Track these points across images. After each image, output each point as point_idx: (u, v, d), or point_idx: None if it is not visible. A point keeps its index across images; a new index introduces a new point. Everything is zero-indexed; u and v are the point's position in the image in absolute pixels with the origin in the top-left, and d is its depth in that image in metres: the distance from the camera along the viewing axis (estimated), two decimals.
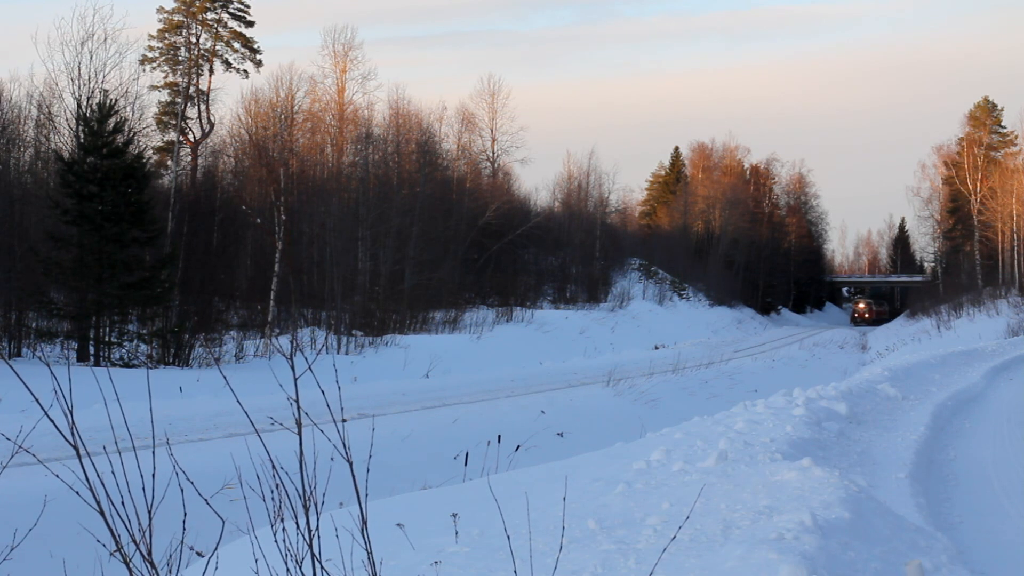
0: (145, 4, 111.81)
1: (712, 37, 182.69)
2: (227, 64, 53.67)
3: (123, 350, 25.37)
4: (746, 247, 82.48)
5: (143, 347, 25.99)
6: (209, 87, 52.40)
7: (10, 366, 3.06)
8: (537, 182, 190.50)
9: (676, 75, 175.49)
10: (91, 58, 29.62)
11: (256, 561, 3.39)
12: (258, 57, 54.14)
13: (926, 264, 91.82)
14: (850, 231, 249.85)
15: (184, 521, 3.50)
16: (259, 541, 3.47)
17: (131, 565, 3.10)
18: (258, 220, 37.67)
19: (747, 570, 5.37)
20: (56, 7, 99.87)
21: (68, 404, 3.04)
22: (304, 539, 3.26)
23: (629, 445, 10.85)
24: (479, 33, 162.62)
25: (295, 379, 3.30)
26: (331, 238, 37.76)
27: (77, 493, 3.11)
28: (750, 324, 71.64)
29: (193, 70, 51.73)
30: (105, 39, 29.65)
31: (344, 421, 3.41)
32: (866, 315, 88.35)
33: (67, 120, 31.73)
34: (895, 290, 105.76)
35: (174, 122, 44.95)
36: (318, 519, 3.28)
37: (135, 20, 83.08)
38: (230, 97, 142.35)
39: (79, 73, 29.57)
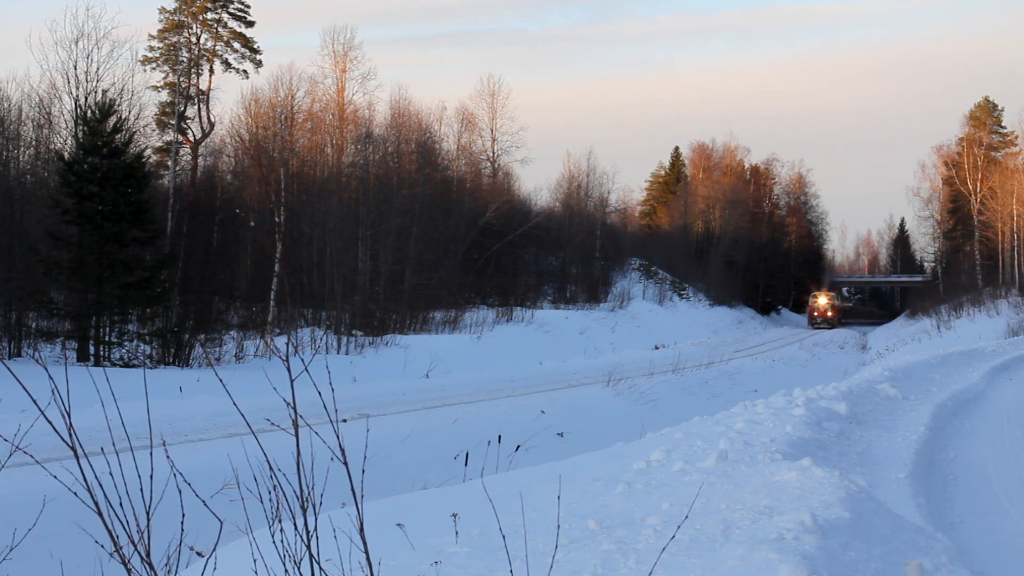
0: (141, 2, 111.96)
1: (718, 37, 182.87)
2: (227, 64, 53.64)
3: (123, 350, 25.36)
4: (746, 247, 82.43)
5: (143, 347, 25.97)
6: (209, 87, 52.42)
7: (6, 366, 3.06)
8: (538, 182, 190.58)
9: (680, 75, 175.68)
10: (87, 57, 29.65)
11: (255, 561, 3.39)
12: (258, 57, 54.12)
13: (926, 264, 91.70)
14: (850, 231, 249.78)
15: (183, 522, 3.49)
16: (258, 542, 3.46)
17: (130, 566, 3.09)
18: (252, 223, 37.65)
19: (747, 570, 5.36)
20: (50, 9, 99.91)
21: (66, 404, 3.04)
22: (302, 540, 3.26)
23: (629, 445, 10.84)
24: (489, 32, 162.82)
25: (291, 380, 3.29)
26: (331, 238, 37.76)
27: (75, 494, 3.11)
28: (750, 324, 71.63)
29: (193, 70, 51.72)
30: (98, 39, 29.68)
31: (344, 421, 3.41)
32: (828, 314, 72.70)
33: (65, 120, 31.77)
34: (895, 290, 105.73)
35: (174, 122, 44.94)
36: (316, 520, 3.28)
37: (130, 18, 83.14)
38: (230, 97, 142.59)
39: (75, 73, 29.60)
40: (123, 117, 27.34)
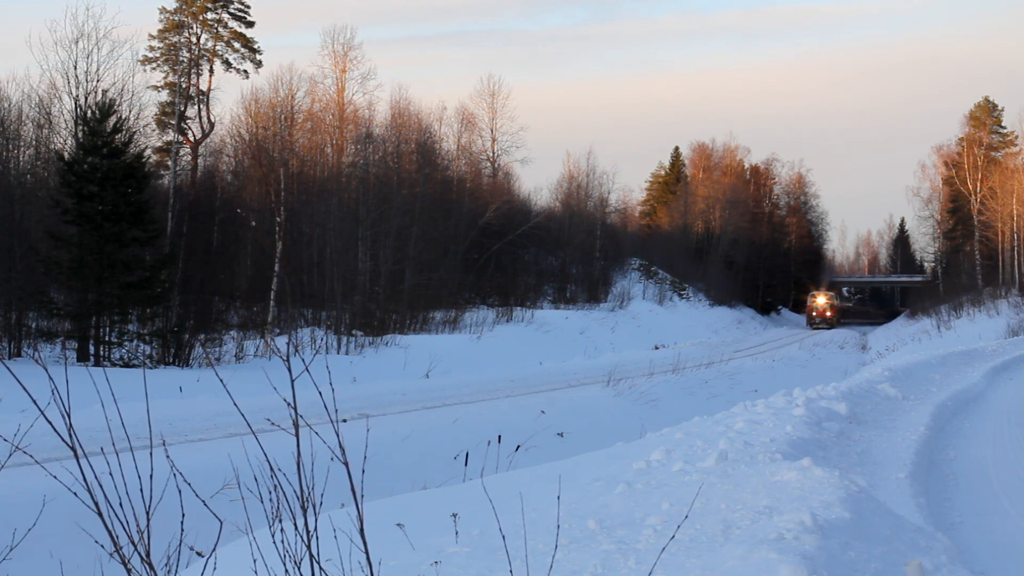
0: (141, 2, 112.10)
1: (718, 37, 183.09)
2: (227, 64, 53.65)
3: (123, 350, 25.36)
4: (746, 247, 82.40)
5: (143, 347, 25.97)
6: (209, 87, 52.43)
7: (6, 366, 3.06)
8: (538, 182, 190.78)
9: (680, 75, 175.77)
10: (87, 57, 29.63)
11: (255, 561, 3.39)
12: (258, 57, 54.12)
13: (926, 264, 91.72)
14: (850, 231, 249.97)
15: (183, 522, 3.49)
16: (258, 542, 3.46)
17: (129, 566, 3.09)
18: (253, 223, 37.65)
19: (747, 570, 5.36)
20: (50, 9, 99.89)
21: (66, 404, 3.03)
22: (302, 540, 3.26)
23: (629, 445, 10.84)
24: (489, 32, 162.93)
25: (292, 380, 3.29)
26: (331, 238, 37.75)
27: (75, 494, 3.11)
28: (750, 324, 71.63)
29: (193, 70, 51.72)
30: (98, 39, 29.67)
31: (344, 421, 3.40)
32: (827, 313, 71.73)
33: (65, 120, 31.75)
34: (895, 290, 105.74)
35: (174, 122, 44.95)
36: (316, 520, 3.28)
37: (130, 18, 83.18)
38: (230, 97, 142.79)
39: (75, 73, 29.59)
40: (123, 117, 27.34)
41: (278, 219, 33.52)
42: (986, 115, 72.85)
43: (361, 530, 3.33)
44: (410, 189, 44.39)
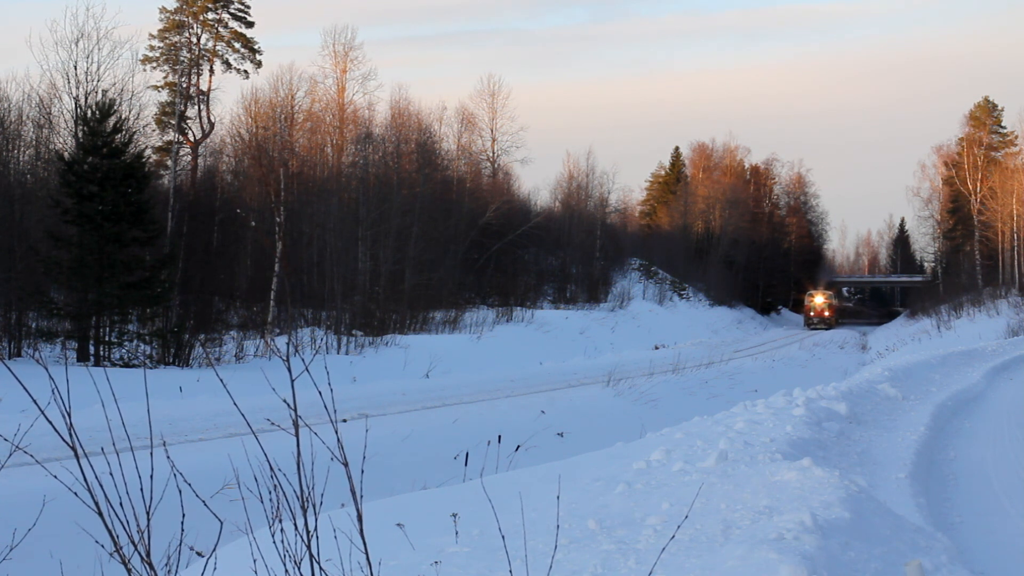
0: (141, 2, 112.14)
1: (719, 36, 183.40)
2: (227, 64, 53.65)
3: (123, 350, 25.36)
4: (746, 247, 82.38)
5: (143, 347, 25.97)
6: (209, 87, 52.42)
7: (6, 366, 3.06)
8: (538, 182, 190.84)
9: (680, 75, 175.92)
10: (87, 57, 29.62)
11: (255, 561, 3.39)
12: (258, 57, 54.12)
13: (926, 264, 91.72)
14: (850, 231, 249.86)
15: (183, 522, 3.49)
16: (258, 542, 3.46)
17: (130, 566, 3.09)
18: (253, 223, 37.66)
19: (747, 570, 5.36)
20: (50, 9, 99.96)
21: (66, 404, 3.03)
22: (302, 540, 3.26)
23: (629, 445, 10.84)
24: (489, 32, 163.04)
25: (291, 380, 3.29)
26: (331, 238, 37.75)
27: (75, 494, 3.11)
28: (750, 324, 71.62)
29: (193, 70, 51.71)
30: (98, 39, 29.65)
31: (344, 421, 3.41)
32: (825, 313, 70.41)
33: (65, 120, 31.74)
34: (895, 290, 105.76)
35: (174, 122, 44.93)
36: (316, 520, 3.28)
37: (130, 18, 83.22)
38: (230, 97, 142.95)
39: (75, 73, 29.58)
40: (123, 117, 27.32)
41: (278, 219, 33.52)
42: (986, 115, 72.83)
43: (361, 530, 3.33)
44: (410, 189, 44.38)
